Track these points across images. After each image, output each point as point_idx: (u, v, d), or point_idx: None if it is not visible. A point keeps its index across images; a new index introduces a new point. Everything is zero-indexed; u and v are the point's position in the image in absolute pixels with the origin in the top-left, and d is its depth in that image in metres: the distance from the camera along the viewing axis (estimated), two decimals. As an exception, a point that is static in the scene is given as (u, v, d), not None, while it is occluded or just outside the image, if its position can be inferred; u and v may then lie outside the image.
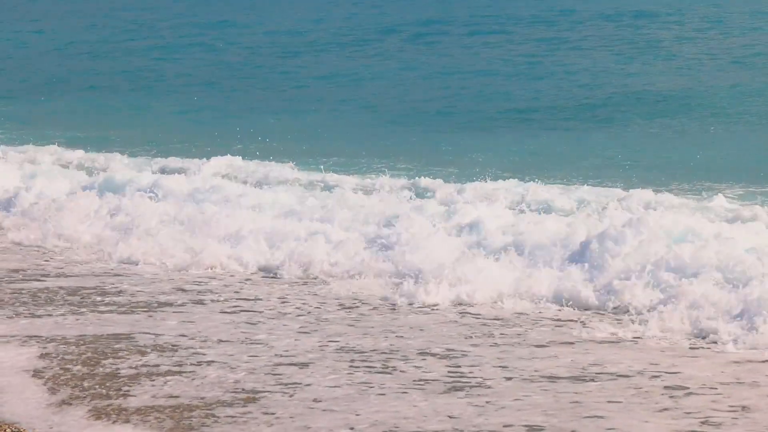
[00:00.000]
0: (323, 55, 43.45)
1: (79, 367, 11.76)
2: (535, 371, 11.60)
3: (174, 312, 14.09)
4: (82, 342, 12.68)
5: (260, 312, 14.12)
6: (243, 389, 11.11)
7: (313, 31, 49.18)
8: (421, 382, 11.28)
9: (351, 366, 11.85)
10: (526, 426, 10.07)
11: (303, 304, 14.62)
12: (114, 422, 10.16)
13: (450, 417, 10.28)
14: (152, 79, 41.09)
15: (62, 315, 13.89)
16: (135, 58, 46.13)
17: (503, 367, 11.77)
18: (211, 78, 40.22)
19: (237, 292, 15.31)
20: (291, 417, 10.37)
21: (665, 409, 10.44)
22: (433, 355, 12.18)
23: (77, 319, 13.68)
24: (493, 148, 25.37)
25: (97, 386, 11.13)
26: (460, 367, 11.75)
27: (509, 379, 11.37)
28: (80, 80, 41.67)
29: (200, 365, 11.85)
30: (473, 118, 29.95)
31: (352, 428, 10.09)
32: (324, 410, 10.54)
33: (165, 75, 41.87)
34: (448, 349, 12.37)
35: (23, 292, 15.09)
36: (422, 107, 32.17)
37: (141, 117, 34.01)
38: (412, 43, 44.89)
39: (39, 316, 13.81)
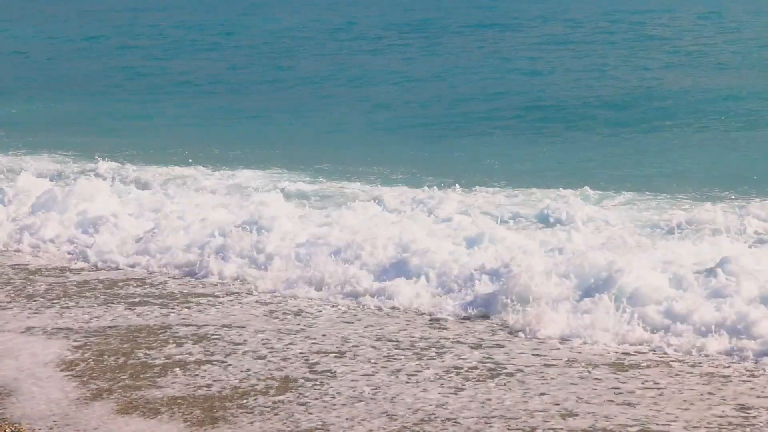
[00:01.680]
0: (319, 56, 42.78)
1: (110, 358, 11.70)
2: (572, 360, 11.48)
3: (209, 304, 13.99)
4: (115, 333, 12.63)
5: (296, 301, 14.00)
6: (277, 378, 11.01)
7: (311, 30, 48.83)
8: (457, 371, 11.16)
9: (387, 355, 11.72)
10: (561, 412, 9.95)
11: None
12: (141, 416, 10.07)
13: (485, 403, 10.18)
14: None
15: (96, 307, 13.85)
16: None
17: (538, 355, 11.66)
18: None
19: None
20: (326, 406, 10.26)
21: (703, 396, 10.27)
22: (465, 343, 12.04)
23: (111, 311, 13.63)
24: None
25: (127, 378, 11.07)
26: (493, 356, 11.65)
27: (547, 366, 11.25)
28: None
29: (234, 355, 11.77)
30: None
31: (389, 416, 9.96)
32: (360, 399, 10.43)
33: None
34: (480, 339, 12.23)
35: (57, 285, 15.09)
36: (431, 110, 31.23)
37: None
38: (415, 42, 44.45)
39: (71, 308, 13.76)
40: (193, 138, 27.51)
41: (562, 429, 9.59)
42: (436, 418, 9.92)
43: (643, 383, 10.65)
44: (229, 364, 11.44)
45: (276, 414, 10.05)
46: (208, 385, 10.80)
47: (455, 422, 9.79)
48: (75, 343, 12.25)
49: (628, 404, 10.09)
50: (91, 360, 11.64)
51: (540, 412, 9.97)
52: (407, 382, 10.83)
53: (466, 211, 17.46)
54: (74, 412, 10.16)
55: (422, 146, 25.61)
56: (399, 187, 20.23)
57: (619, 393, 10.39)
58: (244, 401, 10.37)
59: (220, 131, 29.06)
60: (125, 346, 12.13)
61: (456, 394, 10.49)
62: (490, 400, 10.31)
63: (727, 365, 11.08)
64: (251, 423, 9.84)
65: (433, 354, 11.70)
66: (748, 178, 19.70)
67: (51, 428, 9.80)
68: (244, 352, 11.85)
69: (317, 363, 11.47)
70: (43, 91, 38.30)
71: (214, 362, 11.52)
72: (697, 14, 47.83)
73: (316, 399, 10.42)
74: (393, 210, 17.81)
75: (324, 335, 12.45)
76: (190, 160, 23.53)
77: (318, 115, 30.87)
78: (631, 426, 9.61)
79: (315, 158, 23.94)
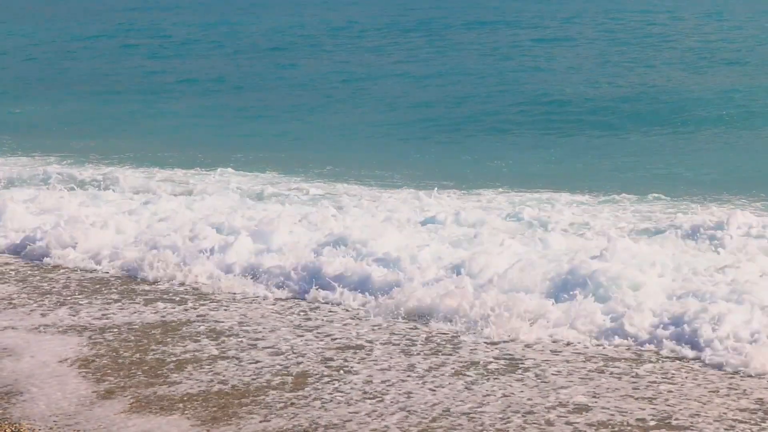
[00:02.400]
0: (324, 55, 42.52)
1: (126, 354, 11.67)
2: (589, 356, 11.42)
3: (227, 300, 13.96)
4: (131, 330, 12.61)
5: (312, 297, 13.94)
6: (293, 373, 10.97)
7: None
8: (473, 366, 11.12)
9: (403, 351, 11.68)
10: (575, 406, 9.91)
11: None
12: (155, 413, 10.02)
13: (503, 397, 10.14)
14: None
15: (112, 303, 13.82)
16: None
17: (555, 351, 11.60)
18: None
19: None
20: (343, 401, 10.22)
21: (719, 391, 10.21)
22: (484, 338, 12.01)
23: (127, 308, 13.60)
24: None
25: (142, 374, 11.04)
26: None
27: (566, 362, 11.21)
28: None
29: (250, 350, 11.74)
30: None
31: (407, 412, 9.92)
32: (376, 394, 10.38)
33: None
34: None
35: (72, 280, 15.08)
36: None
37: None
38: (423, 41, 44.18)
39: (86, 306, 13.74)
40: (215, 139, 27.54)
41: (578, 423, 9.55)
42: (453, 413, 9.88)
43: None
44: (245, 361, 11.41)
45: (292, 410, 10.02)
46: (224, 382, 10.77)
47: (472, 418, 9.76)
48: (91, 340, 12.24)
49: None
50: (106, 357, 11.62)
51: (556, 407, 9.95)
52: (423, 377, 10.80)
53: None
54: (87, 409, 10.12)
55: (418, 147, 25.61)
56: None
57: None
58: (260, 397, 10.33)
59: (244, 132, 29.09)
60: (141, 342, 12.13)
61: (470, 389, 10.46)
62: (508, 396, 10.28)
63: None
64: (266, 419, 9.80)
65: (449, 349, 11.66)
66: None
67: (66, 426, 9.76)
68: (262, 348, 11.84)
69: (332, 359, 11.44)
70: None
71: (229, 358, 11.50)
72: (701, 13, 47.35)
73: (332, 395, 10.39)
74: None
75: (339, 332, 12.42)
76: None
77: (321, 116, 30.64)
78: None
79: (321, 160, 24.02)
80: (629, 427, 9.43)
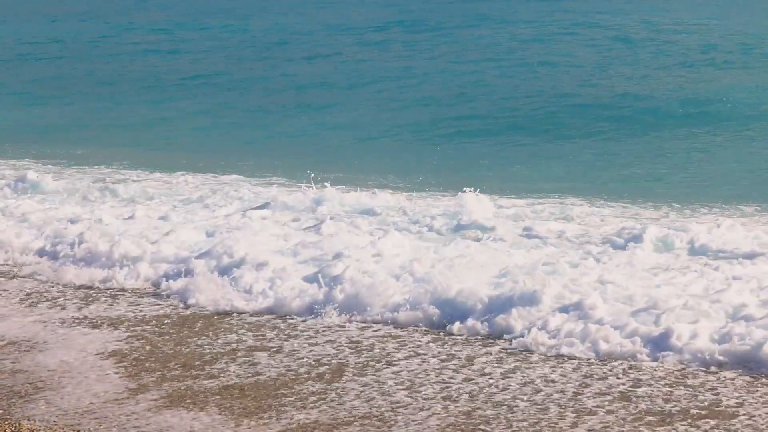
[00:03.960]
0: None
1: (162, 348, 11.69)
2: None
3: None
4: (166, 323, 12.64)
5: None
6: (329, 364, 10.96)
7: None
8: (512, 352, 11.12)
9: (434, 340, 11.66)
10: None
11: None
12: (187, 408, 9.95)
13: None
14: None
15: (145, 297, 13.88)
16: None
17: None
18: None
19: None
20: (379, 392, 10.22)
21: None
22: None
23: (160, 301, 13.65)
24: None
25: (178, 367, 11.05)
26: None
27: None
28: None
29: (286, 341, 11.74)
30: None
31: (447, 400, 9.92)
32: (410, 385, 10.35)
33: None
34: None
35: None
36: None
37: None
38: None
39: (121, 300, 13.79)
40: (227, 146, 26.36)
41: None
42: (490, 403, 9.86)
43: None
44: (281, 352, 11.42)
45: (328, 401, 10.01)
46: (260, 373, 10.77)
47: (511, 408, 9.74)
48: (126, 333, 12.28)
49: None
50: (141, 350, 11.64)
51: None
52: (461, 368, 10.78)
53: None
54: (117, 404, 10.11)
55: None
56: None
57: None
58: (295, 388, 10.32)
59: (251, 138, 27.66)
60: (179, 335, 12.16)
61: (507, 378, 10.44)
62: (547, 385, 10.26)
63: None
64: (301, 410, 9.77)
65: (489, 339, 11.66)
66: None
67: (95, 420, 9.74)
68: (295, 337, 11.86)
69: (369, 349, 11.44)
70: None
71: (268, 349, 11.51)
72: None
73: (367, 386, 10.38)
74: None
75: (374, 321, 12.42)
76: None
77: (325, 117, 29.73)
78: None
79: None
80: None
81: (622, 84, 30.68)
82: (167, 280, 14.11)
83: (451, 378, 10.47)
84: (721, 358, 10.58)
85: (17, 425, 9.35)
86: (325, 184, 18.37)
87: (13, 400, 10.18)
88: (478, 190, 17.14)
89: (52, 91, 36.39)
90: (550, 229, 15.54)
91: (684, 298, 11.83)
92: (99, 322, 12.67)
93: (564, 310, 11.83)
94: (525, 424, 9.32)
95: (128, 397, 10.20)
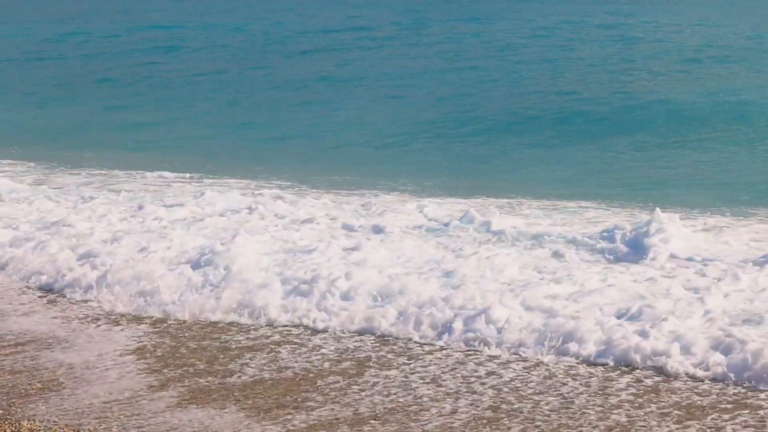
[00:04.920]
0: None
1: (187, 344, 11.71)
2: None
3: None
4: (192, 320, 12.66)
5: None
6: (352, 359, 10.97)
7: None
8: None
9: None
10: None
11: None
12: (207, 405, 9.95)
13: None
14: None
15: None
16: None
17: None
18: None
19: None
20: (400, 387, 10.20)
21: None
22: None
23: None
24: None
25: (201, 363, 11.07)
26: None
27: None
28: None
29: (310, 337, 11.77)
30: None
31: (474, 393, 9.90)
32: (431, 380, 10.35)
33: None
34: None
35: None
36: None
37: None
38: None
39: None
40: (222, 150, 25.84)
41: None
42: (512, 398, 9.85)
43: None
44: (303, 348, 11.43)
45: (350, 396, 10.01)
46: (283, 369, 10.78)
47: (534, 403, 9.74)
48: (151, 330, 12.30)
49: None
50: (165, 346, 11.66)
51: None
52: (485, 362, 10.79)
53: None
54: (142, 400, 10.11)
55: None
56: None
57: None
58: (318, 384, 10.32)
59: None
60: (203, 331, 12.18)
61: (530, 373, 10.44)
62: (569, 381, 10.26)
63: None
64: (323, 406, 9.77)
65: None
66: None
67: (117, 419, 9.76)
68: (316, 332, 11.91)
69: (393, 344, 11.45)
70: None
71: (292, 344, 11.53)
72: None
73: (390, 381, 10.38)
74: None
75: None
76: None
77: (328, 116, 29.60)
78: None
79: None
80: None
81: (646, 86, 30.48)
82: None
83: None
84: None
85: (17, 425, 9.36)
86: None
87: (32, 396, 10.21)
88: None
89: (53, 92, 36.41)
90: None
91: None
92: (121, 320, 12.72)
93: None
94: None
95: (150, 394, 10.22)
